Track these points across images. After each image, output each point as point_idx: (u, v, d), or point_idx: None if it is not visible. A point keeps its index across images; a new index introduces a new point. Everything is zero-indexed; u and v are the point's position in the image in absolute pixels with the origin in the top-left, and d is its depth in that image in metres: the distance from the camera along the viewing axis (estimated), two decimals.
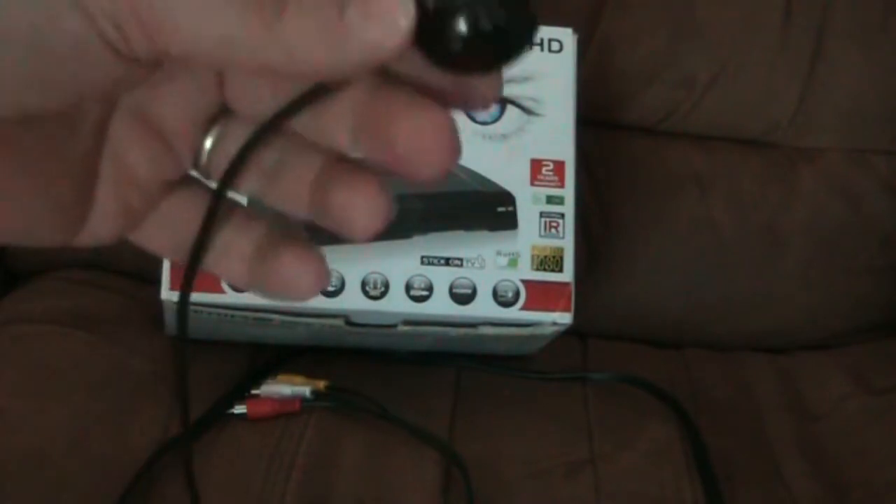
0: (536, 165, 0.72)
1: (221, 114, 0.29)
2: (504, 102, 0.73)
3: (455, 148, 0.26)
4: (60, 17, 0.23)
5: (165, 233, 0.30)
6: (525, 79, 0.73)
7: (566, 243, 0.72)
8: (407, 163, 0.26)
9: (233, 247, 0.30)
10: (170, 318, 0.72)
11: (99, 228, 0.29)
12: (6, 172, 0.26)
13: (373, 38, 0.24)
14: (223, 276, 0.30)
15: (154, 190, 0.29)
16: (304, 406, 0.71)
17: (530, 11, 0.26)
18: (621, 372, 0.80)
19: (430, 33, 0.25)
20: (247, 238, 0.30)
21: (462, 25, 0.25)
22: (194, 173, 0.30)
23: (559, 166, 0.72)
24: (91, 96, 0.26)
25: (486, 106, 0.28)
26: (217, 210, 0.28)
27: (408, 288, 0.69)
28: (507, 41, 0.26)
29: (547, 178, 0.72)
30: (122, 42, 0.24)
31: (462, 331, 0.72)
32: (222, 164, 0.29)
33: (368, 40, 0.24)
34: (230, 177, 0.28)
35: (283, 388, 0.71)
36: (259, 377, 0.72)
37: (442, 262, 0.70)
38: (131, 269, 0.82)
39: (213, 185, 0.29)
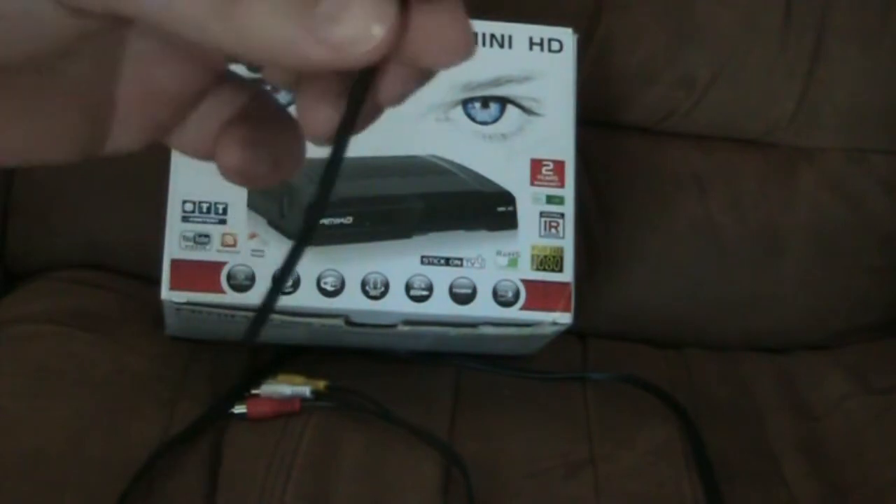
0: (536, 165, 0.72)
1: None
2: (504, 102, 0.73)
3: (470, 40, 0.23)
4: None
5: (201, 133, 0.27)
6: (525, 79, 0.73)
7: (566, 243, 0.72)
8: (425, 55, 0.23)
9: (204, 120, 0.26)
10: (170, 318, 0.72)
11: (124, 142, 0.26)
12: None
13: (340, 39, 0.21)
14: (181, 148, 0.27)
15: (188, 100, 0.27)
16: (304, 406, 0.71)
17: None
18: (621, 372, 0.80)
19: None
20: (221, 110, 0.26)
21: None
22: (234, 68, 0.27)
23: (559, 166, 0.72)
24: (52, 51, 0.24)
25: (454, 57, 0.23)
26: (300, 253, 0.25)
27: (408, 288, 0.69)
28: None
29: (547, 178, 0.72)
30: None
31: (462, 331, 0.72)
32: None
33: (335, 41, 0.21)
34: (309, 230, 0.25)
35: (283, 388, 0.71)
36: (259, 377, 0.72)
37: (442, 261, 0.70)
38: (131, 269, 0.82)
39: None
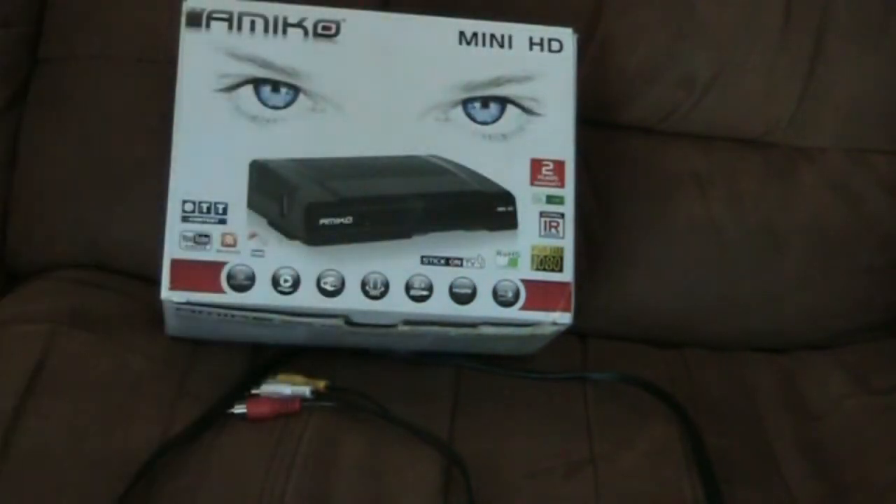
0: (536, 165, 0.72)
1: None
2: (504, 102, 0.73)
3: None
4: None
5: None
6: (525, 79, 0.73)
7: (566, 243, 0.72)
8: None
9: None
10: (170, 318, 0.72)
11: None
12: None
13: None
14: None
15: None
16: (304, 406, 0.71)
17: None
18: (621, 372, 0.80)
19: None
20: None
21: None
22: None
23: (559, 166, 0.72)
24: None
25: None
26: None
27: (408, 288, 0.69)
28: None
29: (547, 178, 0.72)
30: None
31: (462, 331, 0.72)
32: None
33: None
34: None
35: (283, 388, 0.71)
36: (259, 377, 0.72)
37: (442, 261, 0.70)
38: (131, 269, 0.82)
39: None
